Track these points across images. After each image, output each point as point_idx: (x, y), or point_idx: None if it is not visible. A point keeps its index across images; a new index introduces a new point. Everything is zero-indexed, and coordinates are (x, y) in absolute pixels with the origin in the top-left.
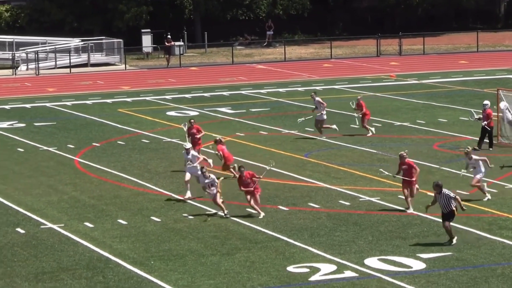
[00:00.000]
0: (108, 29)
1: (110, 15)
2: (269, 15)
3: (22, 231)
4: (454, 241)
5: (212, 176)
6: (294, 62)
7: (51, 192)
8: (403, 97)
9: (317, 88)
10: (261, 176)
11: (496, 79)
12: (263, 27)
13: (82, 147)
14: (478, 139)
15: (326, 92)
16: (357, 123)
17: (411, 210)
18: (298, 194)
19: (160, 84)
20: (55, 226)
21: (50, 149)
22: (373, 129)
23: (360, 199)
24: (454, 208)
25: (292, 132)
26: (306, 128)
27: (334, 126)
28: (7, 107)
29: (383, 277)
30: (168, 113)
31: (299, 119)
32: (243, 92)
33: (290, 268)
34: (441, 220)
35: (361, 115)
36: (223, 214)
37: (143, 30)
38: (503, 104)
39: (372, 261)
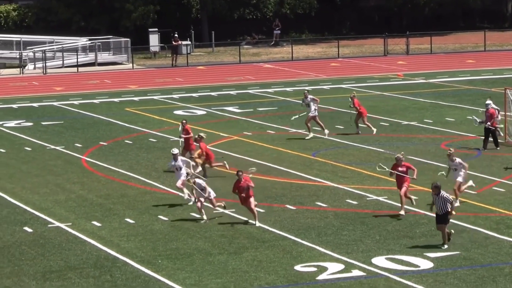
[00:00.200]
0: (115, 28)
1: (117, 14)
2: (276, 14)
3: (29, 230)
4: (446, 246)
5: (199, 180)
6: (301, 61)
7: (59, 191)
8: (410, 96)
9: (324, 87)
10: (253, 185)
11: (504, 78)
12: (270, 26)
13: (89, 146)
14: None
15: (333, 91)
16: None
17: (403, 212)
18: (306, 193)
19: (167, 83)
20: (62, 225)
21: (57, 148)
22: (374, 128)
23: (368, 198)
24: (449, 210)
25: (300, 131)
26: (314, 128)
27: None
28: (14, 106)
29: (391, 276)
30: (176, 112)
31: (293, 117)
32: (250, 91)
33: (298, 267)
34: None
35: (355, 112)
36: (205, 219)
37: (150, 29)
38: None
39: (380, 260)
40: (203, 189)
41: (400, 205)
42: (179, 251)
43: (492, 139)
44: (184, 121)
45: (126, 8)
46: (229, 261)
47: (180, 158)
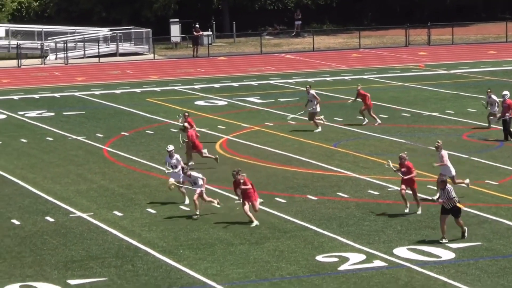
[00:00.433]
0: (136, 18)
1: (138, 5)
2: (297, 5)
3: (51, 220)
4: (444, 240)
5: (195, 174)
6: (322, 52)
7: (80, 181)
8: (431, 87)
9: (346, 78)
10: (248, 187)
11: None
12: (291, 17)
13: (111, 136)
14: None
15: (355, 82)
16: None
17: (419, 211)
18: (327, 183)
19: (188, 74)
20: (84, 215)
21: (79, 138)
22: (377, 119)
23: (389, 189)
24: (457, 204)
25: (321, 121)
26: (335, 118)
27: (322, 117)
28: (36, 96)
29: (412, 266)
30: (197, 102)
31: (289, 116)
32: (271, 81)
33: (319, 258)
34: (469, 210)
35: (364, 107)
36: (197, 214)
37: (171, 20)
38: None
39: (401, 251)
40: (195, 183)
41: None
42: (201, 241)
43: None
44: (186, 114)
45: None
46: (250, 251)
47: (175, 155)
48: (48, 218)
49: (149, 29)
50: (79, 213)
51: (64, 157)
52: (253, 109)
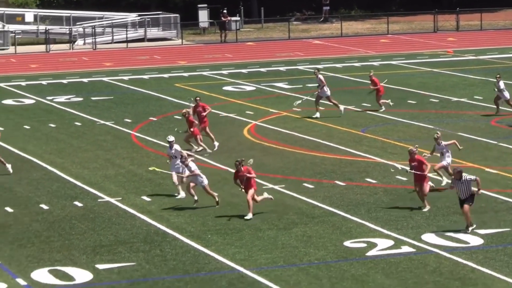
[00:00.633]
0: (164, 4)
1: None
2: None
3: (80, 205)
4: (470, 229)
5: (192, 164)
6: (350, 37)
7: (108, 166)
8: (460, 73)
9: (374, 63)
10: (253, 175)
11: None
12: (319, 2)
13: (139, 121)
14: None
15: (383, 67)
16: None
17: (426, 209)
18: (355, 169)
19: (216, 59)
20: (112, 200)
21: (107, 123)
22: (389, 101)
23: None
24: (473, 193)
25: (349, 107)
26: (363, 104)
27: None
28: (64, 81)
29: (440, 252)
30: (225, 88)
31: (296, 102)
32: (299, 67)
33: (347, 243)
34: (497, 196)
35: (374, 90)
36: (217, 200)
37: (199, 5)
38: None
39: (429, 237)
40: (192, 172)
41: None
42: (229, 226)
43: None
44: (198, 98)
45: None
46: (278, 236)
47: (175, 146)
48: (76, 203)
49: (177, 15)
50: (107, 198)
51: (93, 142)
52: (281, 94)
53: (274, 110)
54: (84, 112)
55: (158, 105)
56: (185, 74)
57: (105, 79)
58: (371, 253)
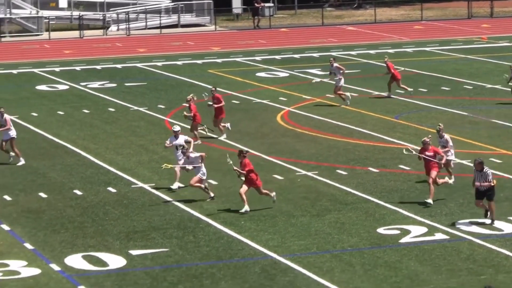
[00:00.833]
0: None
1: None
2: None
3: (113, 190)
4: (493, 222)
5: (193, 154)
6: (384, 24)
7: (142, 152)
8: (494, 59)
9: (408, 50)
10: (243, 172)
11: None
12: None
13: (172, 107)
14: None
15: (416, 54)
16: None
17: (429, 200)
18: (388, 156)
19: (250, 45)
20: (146, 186)
21: (140, 109)
22: (410, 89)
23: (452, 162)
24: (491, 186)
25: (383, 94)
26: (397, 90)
27: (348, 94)
28: (98, 67)
29: (474, 239)
30: (258, 74)
31: (313, 80)
32: (333, 53)
33: (380, 230)
34: None
35: (390, 76)
36: (212, 195)
37: None
38: None
39: (463, 224)
40: (192, 162)
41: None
42: (262, 213)
43: None
44: (213, 89)
45: None
46: (311, 223)
47: (181, 136)
48: (110, 188)
49: (211, 1)
50: (141, 184)
51: (126, 128)
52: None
53: (307, 96)
54: (117, 98)
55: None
56: (219, 60)
57: (139, 65)
58: (404, 240)
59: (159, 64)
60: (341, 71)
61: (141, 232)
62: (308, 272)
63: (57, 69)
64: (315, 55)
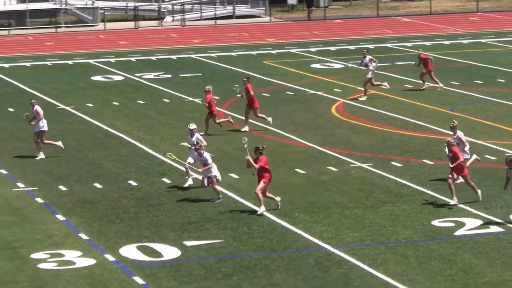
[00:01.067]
0: None
1: None
2: None
3: (168, 181)
4: None
5: (206, 154)
6: (439, 15)
7: None
8: None
9: (463, 41)
10: (257, 166)
11: None
12: None
13: (227, 98)
14: None
15: (472, 46)
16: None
17: (453, 202)
18: (443, 148)
19: (304, 37)
20: (200, 177)
21: (195, 100)
22: (439, 83)
23: (506, 154)
24: None
25: (437, 85)
26: (452, 82)
27: (385, 83)
28: (153, 58)
29: None
30: (313, 65)
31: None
32: (388, 45)
33: (435, 222)
34: None
35: (425, 71)
36: (220, 197)
37: None
38: None
39: None
40: (205, 164)
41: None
42: (316, 205)
43: None
44: (245, 79)
45: None
46: (366, 215)
47: (197, 134)
48: (164, 179)
49: None
50: (195, 175)
51: (181, 118)
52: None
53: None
54: (172, 89)
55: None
56: (273, 52)
57: (194, 56)
58: (459, 232)
59: (214, 55)
60: (374, 64)
61: (195, 223)
62: (362, 264)
63: (112, 60)
64: (370, 46)
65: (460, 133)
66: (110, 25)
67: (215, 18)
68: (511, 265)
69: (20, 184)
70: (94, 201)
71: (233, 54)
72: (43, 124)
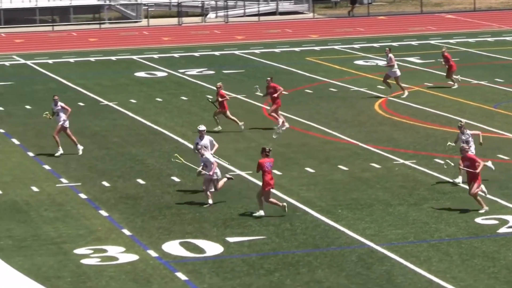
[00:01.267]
0: None
1: None
2: None
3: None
4: None
5: (207, 155)
6: (484, 12)
7: (239, 139)
8: None
9: (507, 38)
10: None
11: None
12: None
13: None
14: None
15: None
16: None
17: (483, 210)
18: (487, 145)
19: (348, 33)
20: (243, 173)
21: (238, 96)
22: (458, 77)
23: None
24: None
25: (481, 82)
26: (496, 79)
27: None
28: (196, 54)
29: None
30: (356, 62)
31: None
32: (431, 41)
33: (478, 220)
34: None
35: (447, 67)
36: (210, 202)
37: None
38: None
39: None
40: (206, 166)
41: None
42: (359, 202)
43: None
44: (268, 79)
45: None
46: (409, 212)
47: (206, 136)
48: None
49: None
50: (238, 171)
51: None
52: (413, 69)
53: (406, 84)
54: (215, 85)
55: (289, 79)
56: (317, 48)
57: (237, 52)
58: (502, 230)
59: (257, 51)
60: (391, 63)
61: (238, 219)
62: (405, 262)
63: (155, 56)
64: (413, 43)
65: (470, 132)
66: (153, 21)
67: (259, 14)
68: None
69: (63, 180)
70: (137, 197)
71: (276, 50)
72: (65, 120)
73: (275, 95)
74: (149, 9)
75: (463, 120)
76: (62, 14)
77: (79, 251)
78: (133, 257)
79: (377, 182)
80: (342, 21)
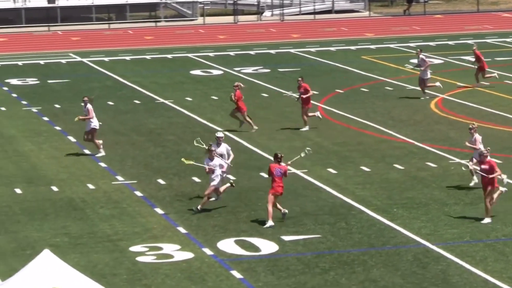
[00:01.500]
0: None
1: None
2: None
3: (266, 176)
4: None
5: (218, 159)
6: None
7: (295, 138)
8: None
9: None
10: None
11: None
12: None
13: (326, 93)
14: None
15: None
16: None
17: (486, 221)
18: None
19: (404, 32)
20: (298, 172)
21: (294, 95)
22: (495, 74)
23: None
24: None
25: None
26: (482, 82)
27: (438, 84)
28: (252, 52)
29: None
30: (412, 61)
31: (407, 65)
32: (488, 40)
33: None
34: None
35: (476, 67)
36: (198, 209)
37: None
38: None
39: None
40: (213, 172)
41: None
42: (415, 201)
43: None
44: (299, 79)
45: None
46: (465, 211)
47: (223, 144)
48: (262, 174)
49: None
50: (293, 170)
51: (280, 113)
52: (469, 68)
53: (461, 83)
54: (271, 84)
55: (345, 78)
56: (372, 47)
57: (292, 50)
58: None
59: (313, 50)
60: (426, 64)
61: (293, 217)
62: (460, 261)
63: (211, 54)
64: (470, 42)
65: (478, 137)
66: (209, 20)
67: (314, 13)
68: None
69: (119, 177)
70: (193, 195)
71: (332, 49)
72: (95, 122)
73: (306, 95)
74: (205, 7)
75: (475, 123)
76: (118, 12)
77: (134, 248)
78: (189, 255)
79: (433, 181)
80: (398, 19)
